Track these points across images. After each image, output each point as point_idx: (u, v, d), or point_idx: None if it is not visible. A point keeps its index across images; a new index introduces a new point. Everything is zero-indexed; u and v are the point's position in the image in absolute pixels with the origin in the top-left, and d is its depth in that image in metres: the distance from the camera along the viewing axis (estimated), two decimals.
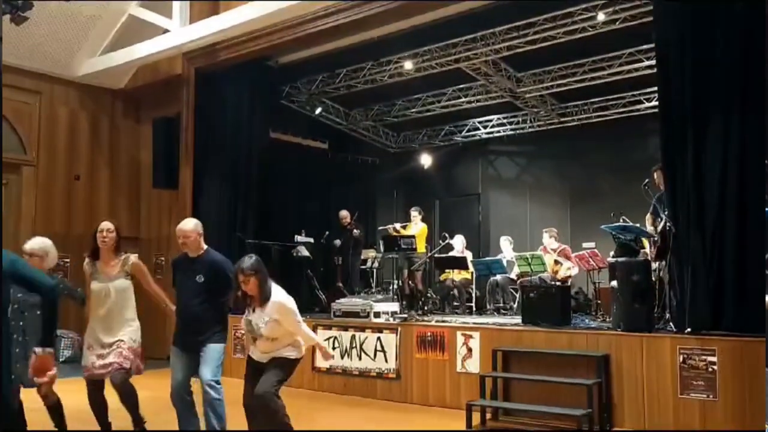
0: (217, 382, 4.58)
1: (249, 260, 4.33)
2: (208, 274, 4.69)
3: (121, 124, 11.23)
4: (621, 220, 7.26)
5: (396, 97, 12.36)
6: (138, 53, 9.71)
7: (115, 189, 11.05)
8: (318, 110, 12.16)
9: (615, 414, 5.86)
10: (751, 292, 5.41)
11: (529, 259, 8.88)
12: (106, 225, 4.96)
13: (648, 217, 6.95)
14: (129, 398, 4.82)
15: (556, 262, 8.99)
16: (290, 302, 4.40)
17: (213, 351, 4.64)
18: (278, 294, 4.40)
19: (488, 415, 6.22)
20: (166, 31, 9.45)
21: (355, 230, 10.49)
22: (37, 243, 5.00)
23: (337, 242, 10.58)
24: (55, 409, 4.92)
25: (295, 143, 12.05)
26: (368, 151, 13.93)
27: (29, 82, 10.02)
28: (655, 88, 7.87)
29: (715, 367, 5.44)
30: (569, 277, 8.85)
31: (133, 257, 4.99)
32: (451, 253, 9.88)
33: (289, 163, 11.30)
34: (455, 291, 9.73)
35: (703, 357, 5.50)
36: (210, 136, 10.20)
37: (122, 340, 4.79)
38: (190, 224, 4.77)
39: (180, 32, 9.23)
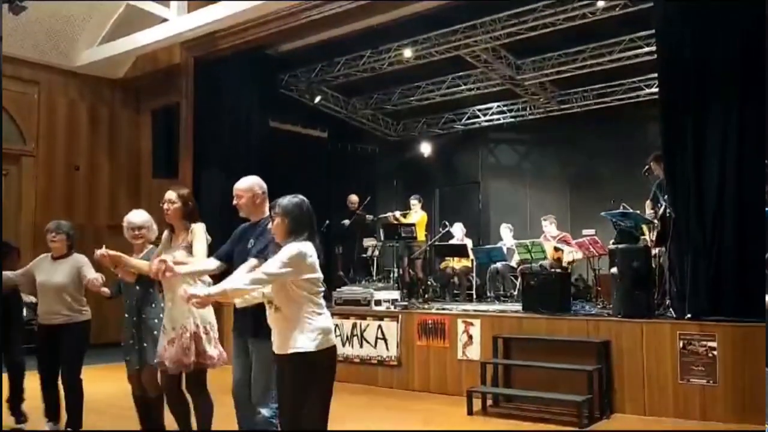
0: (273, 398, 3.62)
1: (288, 198, 3.34)
2: (259, 237, 3.81)
3: (121, 113, 11.21)
4: (621, 207, 7.26)
5: (395, 85, 12.32)
6: (136, 42, 9.68)
7: (115, 179, 11.05)
8: (317, 99, 12.13)
9: (615, 400, 5.89)
10: (751, 278, 5.42)
11: (530, 247, 8.88)
12: (168, 195, 4.27)
13: (648, 203, 6.96)
14: (174, 405, 4.21)
15: (557, 249, 9.00)
16: (294, 248, 3.17)
17: (264, 354, 3.51)
18: (295, 243, 3.23)
19: (489, 402, 6.26)
20: (164, 20, 9.41)
21: (367, 215, 10.47)
22: (140, 216, 4.58)
23: (346, 222, 10.53)
24: (153, 402, 4.50)
25: (294, 132, 12.02)
26: (368, 139, 13.90)
27: (28, 72, 9.99)
28: (655, 75, 7.88)
29: (715, 353, 5.46)
30: (574, 261, 8.87)
31: (196, 226, 4.23)
32: (451, 241, 9.89)
33: (288, 152, 11.27)
34: (455, 279, 9.75)
35: (703, 342, 5.52)
36: (209, 126, 10.17)
37: (185, 326, 4.10)
38: (245, 182, 3.99)
39: (178, 21, 9.19)
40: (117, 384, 4.74)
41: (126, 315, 4.52)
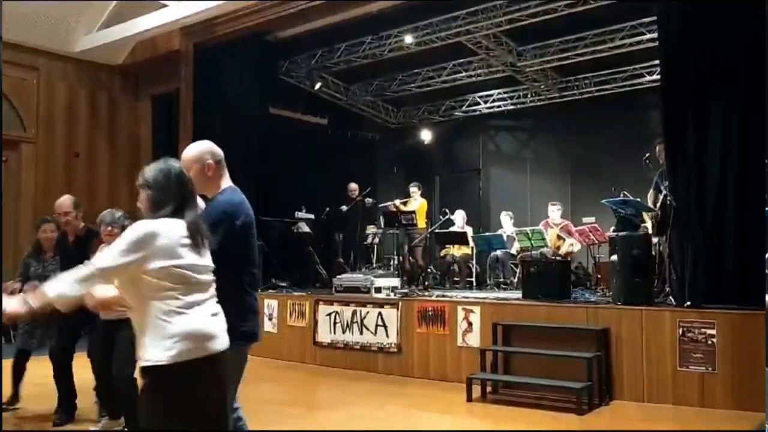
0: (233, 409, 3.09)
1: (152, 165, 2.78)
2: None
3: (120, 100, 11.18)
4: (621, 195, 7.26)
5: (396, 71, 12.27)
6: (135, 28, 9.63)
7: (115, 166, 11.03)
8: (317, 85, 12.08)
9: (614, 387, 5.90)
10: (750, 266, 5.43)
11: (530, 234, 8.88)
12: None
13: (650, 192, 6.94)
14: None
15: (559, 237, 9.00)
16: (140, 228, 2.51)
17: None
18: (143, 222, 2.59)
19: (488, 389, 6.27)
20: (163, 5, 9.36)
21: (367, 198, 10.48)
22: None
23: (343, 208, 10.52)
24: None
25: (294, 119, 12.00)
26: (368, 126, 13.87)
27: (27, 58, 9.94)
28: (657, 62, 7.85)
29: (714, 340, 5.47)
30: (571, 253, 8.87)
31: None
32: (451, 229, 9.89)
33: (289, 139, 11.26)
34: (456, 266, 9.76)
35: (703, 330, 5.53)
36: (209, 112, 10.14)
37: None
38: (192, 150, 3.29)
39: (177, 7, 9.14)
40: None
41: None
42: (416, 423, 5.46)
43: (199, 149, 3.28)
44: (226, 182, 3.31)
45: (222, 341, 2.59)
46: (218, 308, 2.64)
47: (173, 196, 2.64)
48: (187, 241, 2.54)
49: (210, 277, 2.62)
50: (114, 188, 10.85)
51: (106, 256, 2.47)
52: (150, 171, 2.73)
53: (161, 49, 10.53)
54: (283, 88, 11.50)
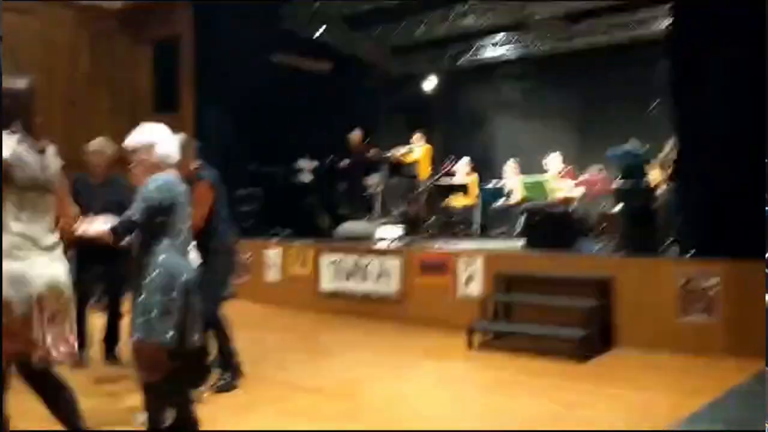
0: None
1: None
2: None
3: (119, 46, 10.97)
4: (627, 145, 7.18)
5: (399, 18, 12.03)
6: None
7: (115, 114, 10.89)
8: (320, 31, 11.85)
9: (615, 335, 5.95)
10: (752, 217, 5.40)
11: (534, 184, 8.84)
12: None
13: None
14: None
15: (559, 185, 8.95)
16: None
17: None
18: None
19: (489, 337, 6.33)
20: None
21: (371, 150, 10.41)
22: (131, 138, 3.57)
23: (345, 161, 10.46)
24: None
25: (296, 66, 11.82)
26: (371, 74, 13.68)
27: (24, 3, 9.72)
28: (668, 7, 7.66)
29: (715, 290, 5.49)
30: (573, 198, 8.83)
31: None
32: (454, 179, 9.84)
33: (291, 87, 11.10)
34: (458, 216, 9.75)
35: (704, 280, 5.54)
36: (211, 58, 9.98)
37: None
38: None
39: None
40: None
41: None
42: (417, 370, 5.54)
43: None
44: None
45: None
46: None
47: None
48: None
49: None
50: (115, 136, 10.73)
51: None
52: None
53: None
54: (285, 34, 11.29)
